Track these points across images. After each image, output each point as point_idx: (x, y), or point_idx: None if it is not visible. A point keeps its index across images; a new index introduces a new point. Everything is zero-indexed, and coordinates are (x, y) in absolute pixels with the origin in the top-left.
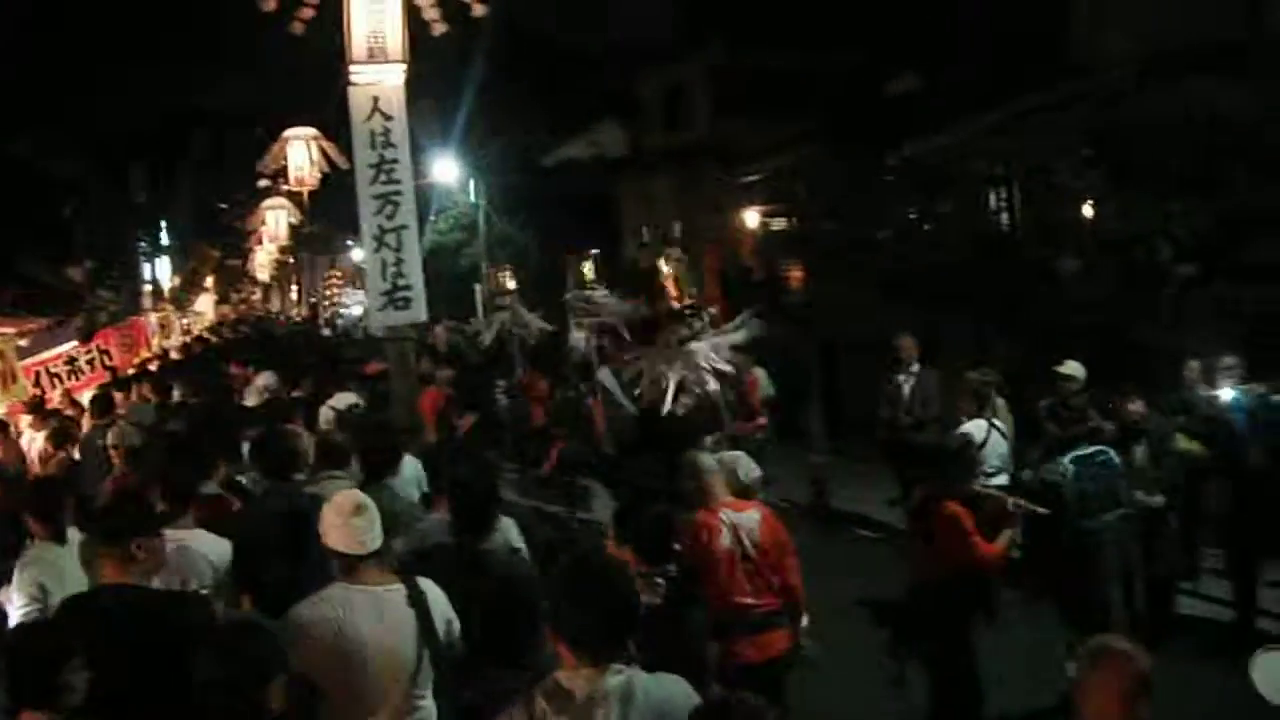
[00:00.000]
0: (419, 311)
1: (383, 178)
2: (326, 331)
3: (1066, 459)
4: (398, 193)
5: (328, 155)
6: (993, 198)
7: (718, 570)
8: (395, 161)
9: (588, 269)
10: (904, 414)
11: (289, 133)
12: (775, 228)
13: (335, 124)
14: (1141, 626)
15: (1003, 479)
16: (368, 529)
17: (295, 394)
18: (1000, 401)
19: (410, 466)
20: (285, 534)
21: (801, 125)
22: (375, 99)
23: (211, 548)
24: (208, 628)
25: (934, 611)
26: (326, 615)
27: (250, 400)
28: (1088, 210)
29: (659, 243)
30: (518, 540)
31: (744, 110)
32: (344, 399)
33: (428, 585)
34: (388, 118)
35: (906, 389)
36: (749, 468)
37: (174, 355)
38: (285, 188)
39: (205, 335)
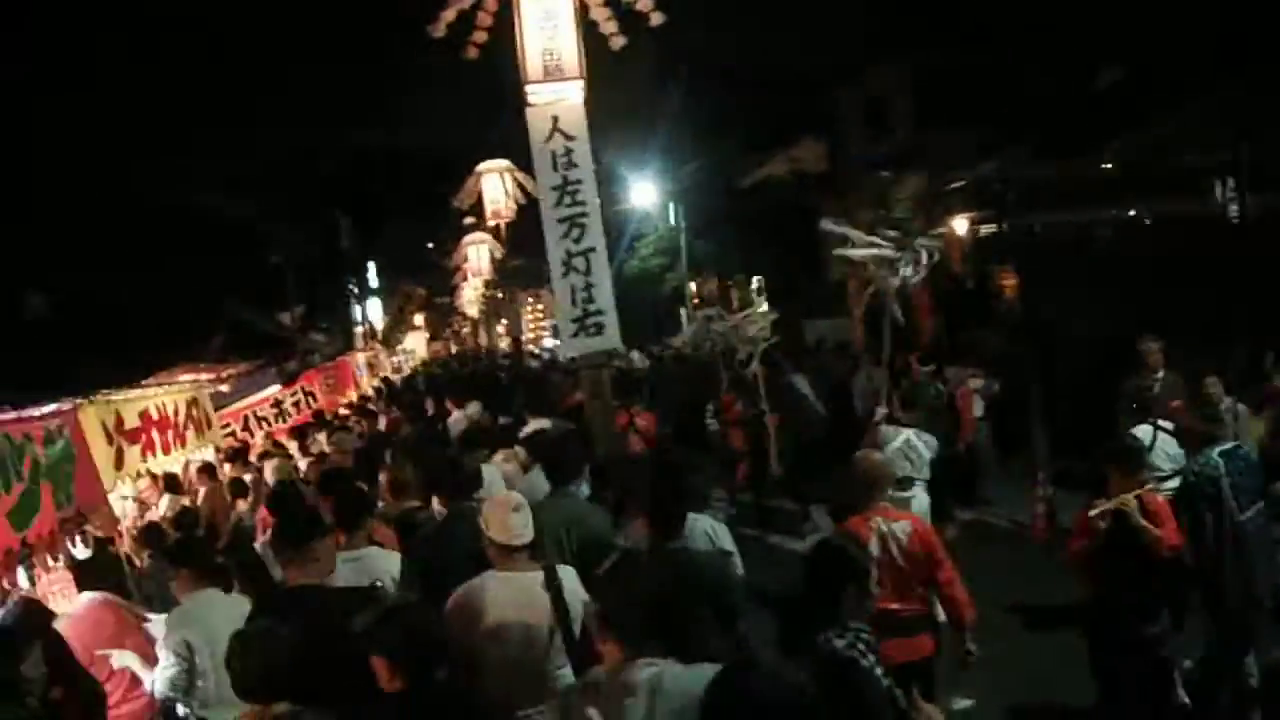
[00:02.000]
0: (612, 338)
1: (567, 200)
2: (533, 363)
3: (1214, 453)
4: (584, 214)
5: (523, 187)
6: (1218, 188)
7: None
8: (579, 183)
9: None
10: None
11: (482, 166)
12: (984, 234)
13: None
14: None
15: (1175, 482)
16: (523, 524)
17: (501, 421)
18: (1242, 408)
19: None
20: (467, 551)
21: (1007, 126)
22: (554, 119)
23: (384, 563)
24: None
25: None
26: (476, 599)
27: (455, 429)
28: None
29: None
30: (729, 544)
31: (946, 114)
32: (538, 424)
33: (565, 572)
34: (569, 137)
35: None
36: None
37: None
38: (483, 224)
39: (414, 372)
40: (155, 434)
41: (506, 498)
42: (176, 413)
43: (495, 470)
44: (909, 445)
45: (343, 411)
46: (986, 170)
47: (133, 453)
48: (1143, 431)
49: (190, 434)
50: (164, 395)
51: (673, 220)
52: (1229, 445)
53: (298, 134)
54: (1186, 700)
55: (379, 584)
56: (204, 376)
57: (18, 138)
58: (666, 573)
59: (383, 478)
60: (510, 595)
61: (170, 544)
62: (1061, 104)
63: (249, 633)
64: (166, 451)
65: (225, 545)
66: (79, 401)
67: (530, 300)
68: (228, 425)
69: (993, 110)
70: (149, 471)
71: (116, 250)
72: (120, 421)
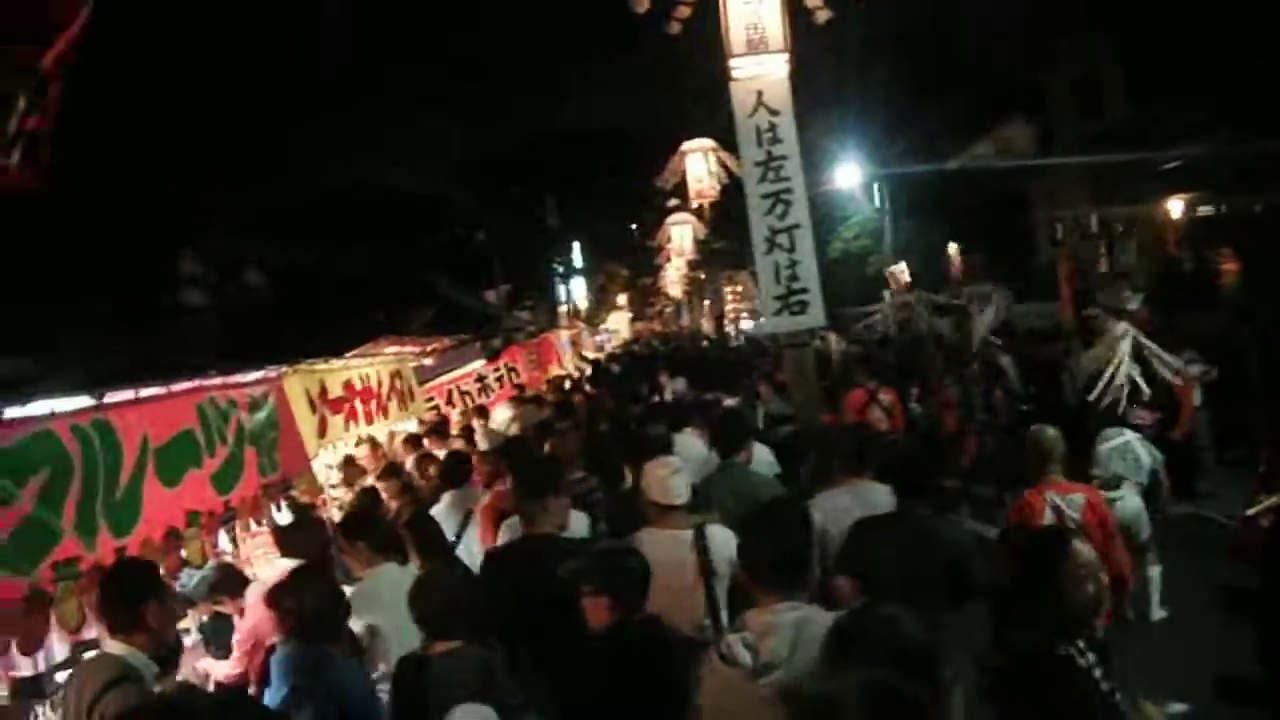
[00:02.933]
0: (816, 315)
1: (771, 175)
2: (735, 343)
3: None
4: (788, 190)
5: (726, 166)
6: None
7: None
8: (784, 158)
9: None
10: None
11: (686, 145)
12: (1202, 214)
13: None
14: None
15: None
16: (678, 487)
17: (706, 397)
18: None
19: (763, 451)
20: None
21: (1226, 102)
22: (759, 93)
23: (574, 523)
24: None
25: None
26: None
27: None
28: None
29: (1074, 237)
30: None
31: (1163, 91)
32: (730, 401)
33: (713, 530)
34: (773, 112)
35: None
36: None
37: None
38: (687, 204)
39: (617, 351)
40: (358, 404)
41: (665, 461)
42: (380, 384)
43: (685, 440)
44: (1127, 448)
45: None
46: (1203, 149)
47: (335, 422)
48: None
49: (393, 405)
50: (367, 366)
51: (876, 202)
52: None
53: (502, 116)
54: None
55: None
56: (408, 349)
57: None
58: (909, 533)
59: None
60: (659, 550)
61: (345, 517)
62: None
63: (423, 577)
64: (369, 422)
65: (407, 518)
66: (284, 370)
67: (730, 282)
68: (431, 399)
69: (1210, 85)
70: (369, 438)
71: (328, 229)
72: (324, 391)
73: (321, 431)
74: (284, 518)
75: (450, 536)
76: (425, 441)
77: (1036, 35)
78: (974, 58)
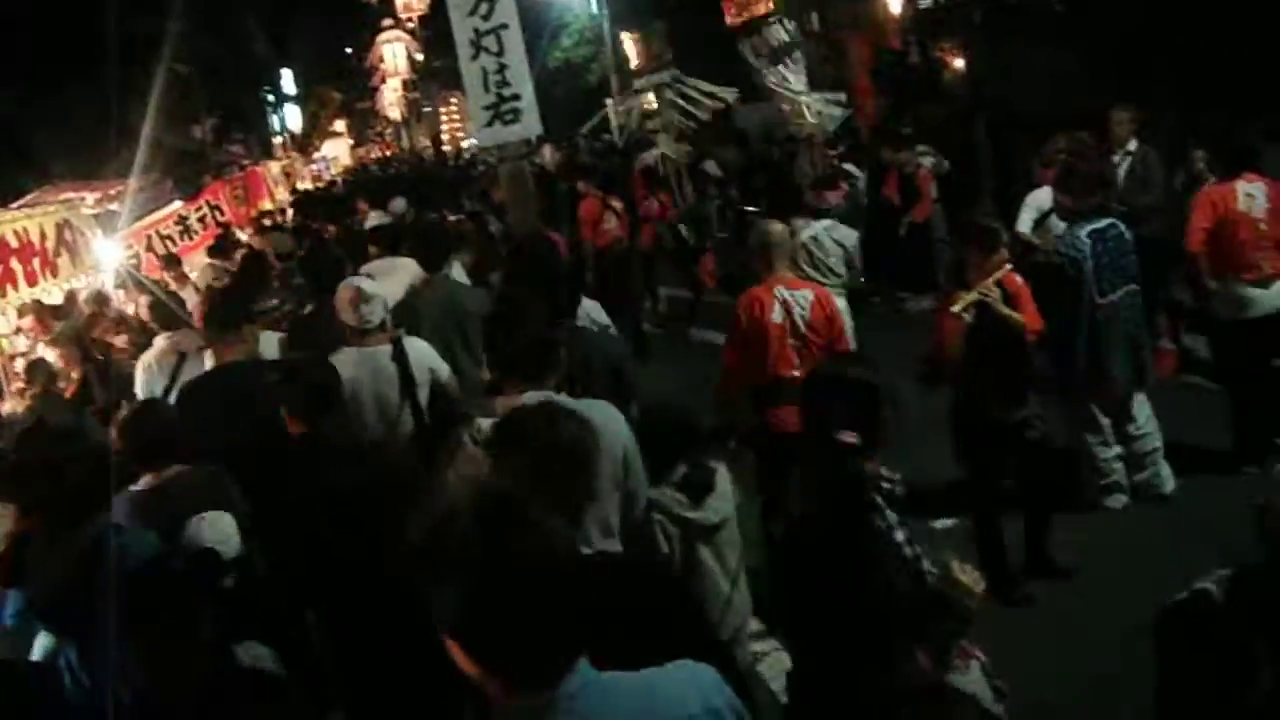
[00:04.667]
0: (531, 124)
1: None
2: (452, 163)
3: (1083, 231)
4: None
5: None
6: None
7: (767, 343)
8: None
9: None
10: (1116, 203)
11: None
12: (925, 5)
13: None
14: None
15: None
16: (371, 311)
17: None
18: None
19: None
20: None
21: None
22: None
23: (271, 348)
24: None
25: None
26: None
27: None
28: None
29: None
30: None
31: None
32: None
33: (411, 343)
34: None
35: (1121, 171)
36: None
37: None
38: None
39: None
40: (15, 263)
41: (351, 287)
42: (44, 237)
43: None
44: (815, 243)
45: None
46: None
47: None
48: (1045, 193)
49: (64, 260)
50: (24, 219)
51: (594, 9)
52: (1101, 224)
53: None
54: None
55: None
56: (85, 194)
57: None
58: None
59: None
60: (360, 367)
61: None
62: None
63: (135, 409)
64: (33, 283)
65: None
66: None
67: (454, 101)
68: (131, 246)
69: None
70: (35, 303)
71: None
72: None
73: None
74: None
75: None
76: (121, 294)
77: None
78: None
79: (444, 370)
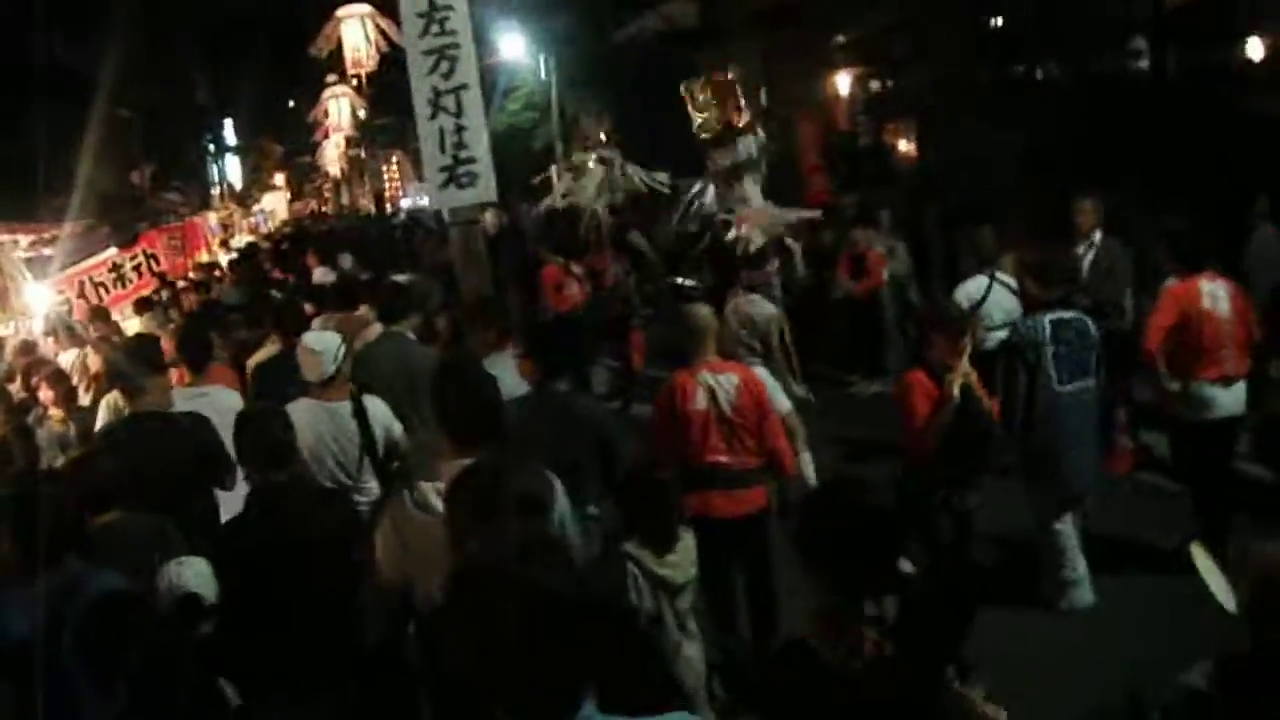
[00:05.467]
0: (486, 189)
1: (435, 29)
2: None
3: (1045, 319)
4: (454, 45)
5: (386, 34)
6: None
7: (691, 429)
8: (449, 9)
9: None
10: (1080, 295)
11: (341, 11)
12: (875, 89)
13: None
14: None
15: (1004, 333)
16: (324, 363)
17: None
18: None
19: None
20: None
21: None
22: None
23: (228, 399)
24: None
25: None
26: (296, 420)
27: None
28: None
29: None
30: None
31: None
32: (401, 278)
33: (370, 401)
34: None
35: (1086, 263)
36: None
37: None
38: (345, 77)
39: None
40: None
41: (308, 343)
42: None
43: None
44: (746, 313)
45: (191, 276)
46: (878, 22)
47: None
48: (976, 284)
49: None
50: None
51: (543, 74)
52: (1067, 315)
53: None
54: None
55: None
56: (20, 237)
57: None
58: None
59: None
60: (319, 420)
61: None
62: None
63: (75, 459)
64: None
65: None
66: None
67: (396, 160)
68: (63, 292)
69: None
70: None
71: None
72: None
73: None
74: None
75: None
76: (50, 341)
77: None
78: None
79: (397, 429)
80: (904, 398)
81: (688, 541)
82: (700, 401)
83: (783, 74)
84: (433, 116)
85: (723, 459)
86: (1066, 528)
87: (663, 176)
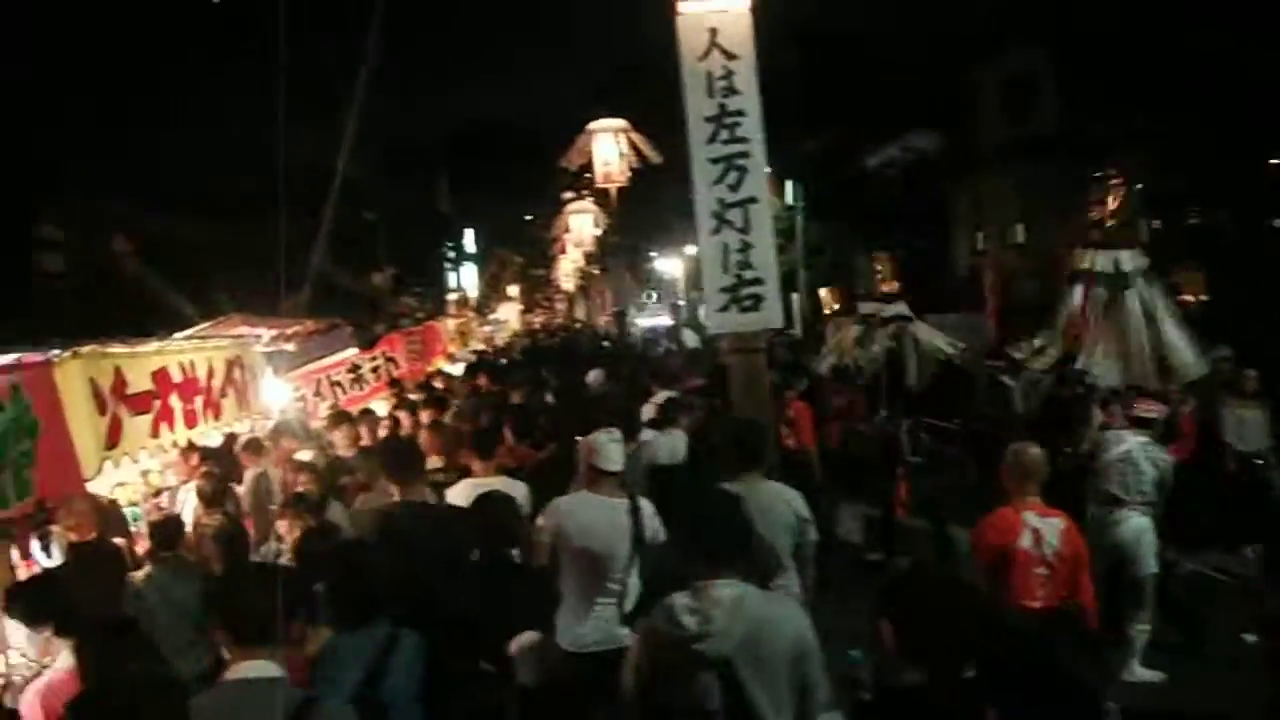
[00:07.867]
0: (772, 314)
1: (724, 134)
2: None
3: None
4: (744, 154)
5: (638, 149)
6: None
7: (1011, 569)
8: (741, 114)
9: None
10: None
11: (594, 125)
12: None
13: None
14: None
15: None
16: (615, 456)
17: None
18: None
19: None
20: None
21: (1171, 110)
22: (713, 31)
23: (514, 489)
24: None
25: None
26: (572, 509)
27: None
28: None
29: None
30: (805, 511)
31: (1101, 98)
32: (666, 394)
33: (644, 502)
34: (730, 56)
35: None
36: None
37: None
38: (590, 190)
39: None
40: (175, 400)
41: (609, 431)
42: (211, 374)
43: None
44: (1129, 459)
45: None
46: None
47: (136, 425)
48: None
49: (229, 402)
50: (193, 351)
51: (789, 200)
52: None
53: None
54: None
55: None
56: (261, 331)
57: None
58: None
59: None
60: (598, 512)
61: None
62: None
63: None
64: (191, 424)
65: None
66: (56, 355)
67: (628, 276)
68: (298, 389)
69: (1153, 93)
70: (189, 443)
71: (201, 194)
72: (121, 383)
73: (112, 439)
74: (49, 561)
75: None
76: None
77: (962, 29)
78: (896, 53)
79: (661, 534)
80: None
81: None
82: (1025, 541)
83: (1041, 207)
84: (716, 231)
85: (1036, 604)
86: None
87: (957, 347)
